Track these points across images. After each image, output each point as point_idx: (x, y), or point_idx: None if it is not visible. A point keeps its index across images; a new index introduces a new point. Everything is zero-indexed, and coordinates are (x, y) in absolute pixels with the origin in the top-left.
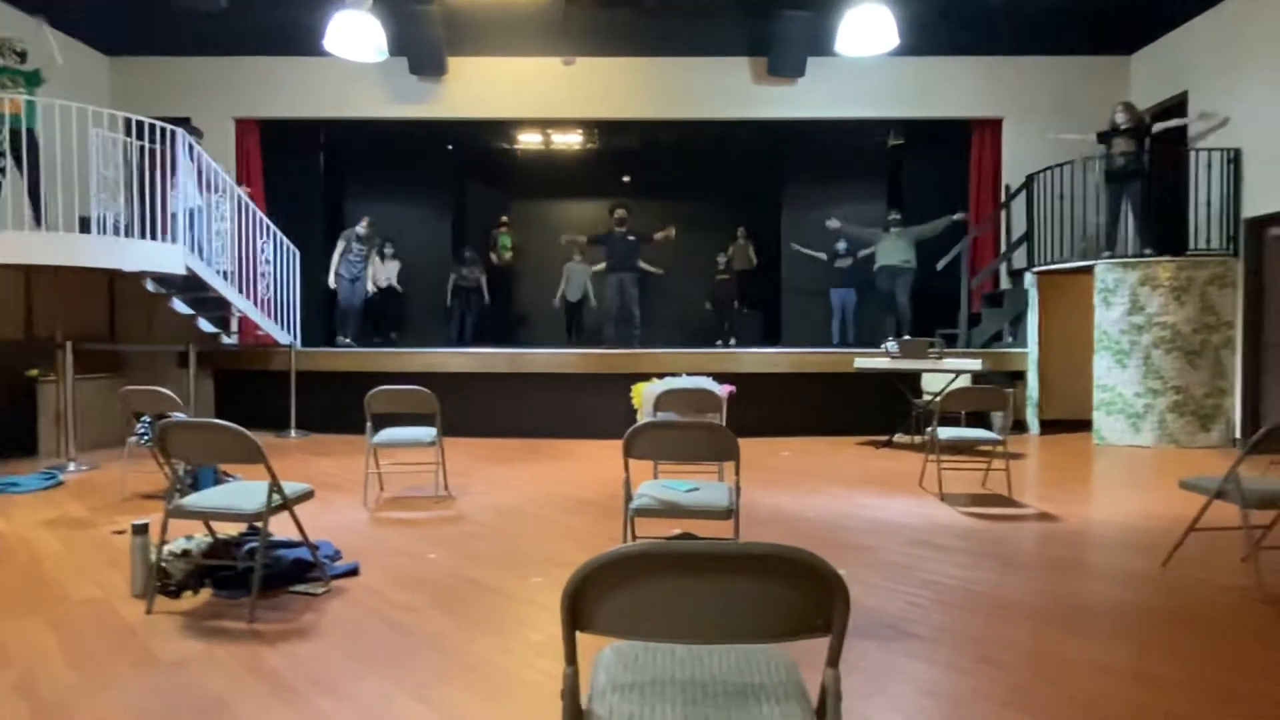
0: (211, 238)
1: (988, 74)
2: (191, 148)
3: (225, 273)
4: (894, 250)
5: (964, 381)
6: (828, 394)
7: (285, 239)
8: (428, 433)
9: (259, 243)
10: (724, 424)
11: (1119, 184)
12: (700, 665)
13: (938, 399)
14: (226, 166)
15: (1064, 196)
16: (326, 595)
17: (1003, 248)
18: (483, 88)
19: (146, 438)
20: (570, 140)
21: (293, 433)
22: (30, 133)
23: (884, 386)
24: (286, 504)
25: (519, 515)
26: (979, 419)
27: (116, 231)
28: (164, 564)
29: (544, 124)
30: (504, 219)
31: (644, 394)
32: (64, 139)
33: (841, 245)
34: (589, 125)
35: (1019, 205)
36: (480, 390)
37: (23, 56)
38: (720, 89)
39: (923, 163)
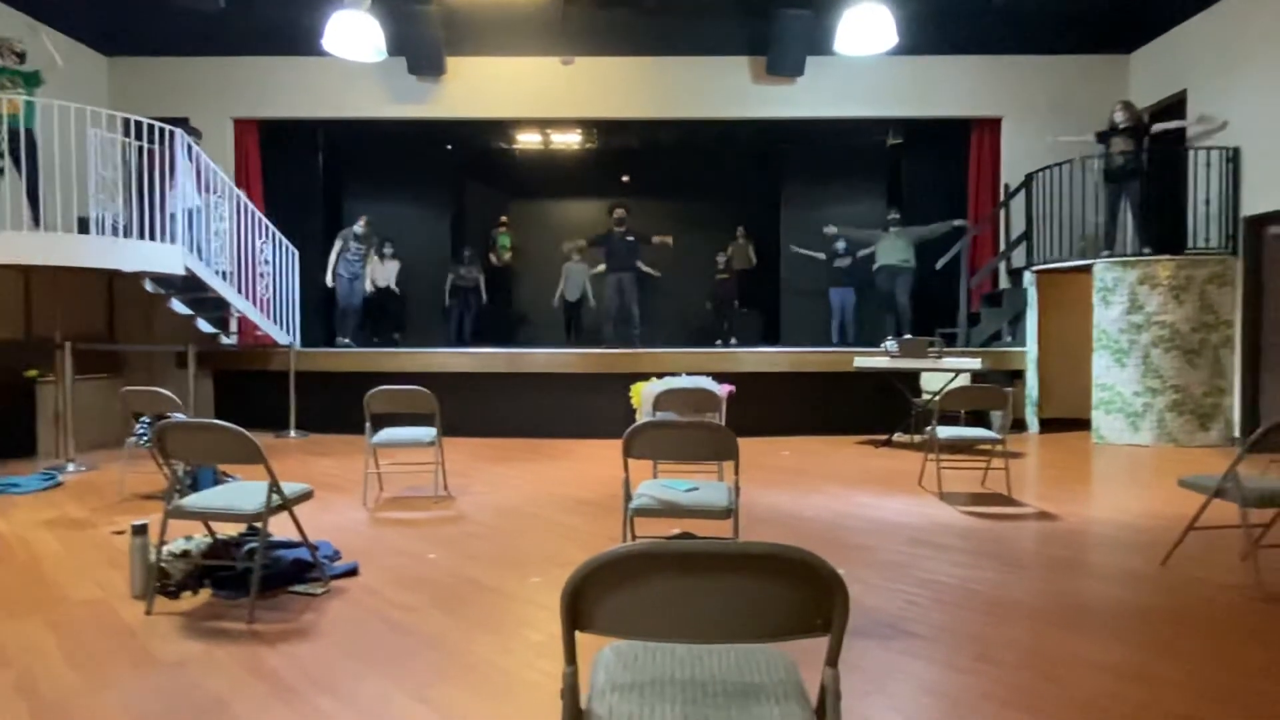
0: (210, 238)
1: (987, 73)
2: (190, 148)
3: (224, 273)
4: (893, 250)
5: (963, 381)
6: (827, 393)
7: (284, 239)
8: (427, 433)
9: (258, 243)
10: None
11: (1118, 183)
12: (700, 665)
13: (937, 398)
14: (225, 167)
15: (1063, 195)
16: (326, 595)
17: (1002, 247)
18: (481, 87)
19: (146, 438)
20: (569, 140)
21: (292, 433)
22: (29, 133)
23: (883, 386)
24: (286, 504)
25: (518, 515)
26: (978, 418)
27: (115, 232)
28: (163, 564)
29: (543, 124)
30: (503, 219)
31: (643, 394)
32: (63, 139)
33: (841, 245)
34: (588, 125)
35: (1018, 204)
36: (480, 390)
37: (22, 57)
38: (719, 88)
39: (922, 162)
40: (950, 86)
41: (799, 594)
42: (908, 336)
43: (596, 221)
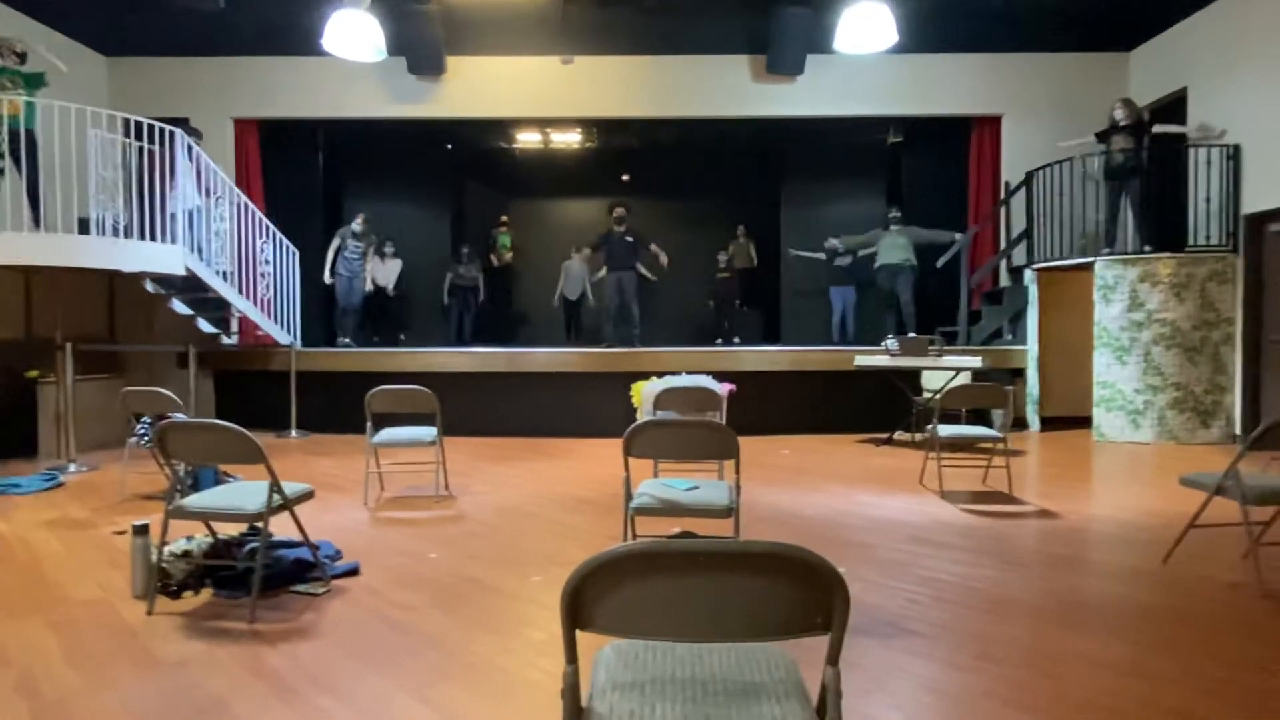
0: (211, 238)
1: (987, 71)
2: (190, 148)
3: (225, 273)
4: (894, 248)
5: (964, 379)
6: (828, 392)
7: (285, 239)
8: (428, 432)
9: (258, 243)
10: (724, 422)
11: (1118, 181)
12: (700, 663)
13: (938, 396)
14: (225, 167)
15: (1063, 193)
16: (327, 595)
17: (1002, 245)
18: (481, 87)
19: (147, 438)
20: (569, 139)
21: (293, 433)
22: (29, 133)
23: (884, 384)
24: (287, 504)
25: (519, 514)
26: (979, 416)
27: (116, 232)
28: (164, 564)
29: (543, 123)
30: (503, 218)
31: (643, 393)
32: (63, 140)
33: (841, 245)
34: (588, 124)
35: (1018, 202)
36: (480, 390)
37: (22, 58)
38: (719, 87)
39: (922, 160)
40: (950, 85)
41: (799, 593)
42: (911, 335)
43: (596, 221)
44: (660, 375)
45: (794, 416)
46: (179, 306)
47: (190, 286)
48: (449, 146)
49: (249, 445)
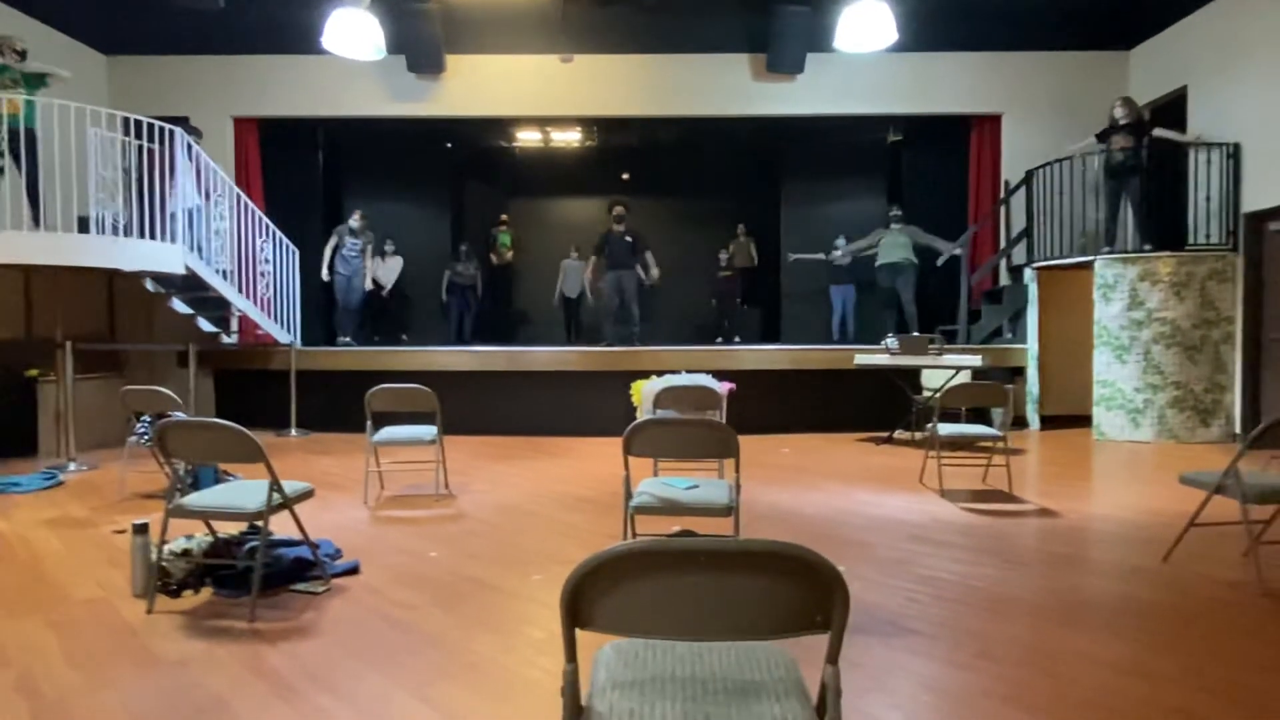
0: (210, 237)
1: (987, 69)
2: (190, 147)
3: (225, 272)
4: (895, 247)
5: (964, 378)
6: (828, 390)
7: (284, 238)
8: (428, 431)
9: (258, 242)
10: (724, 421)
11: (1118, 179)
12: (700, 662)
13: (938, 395)
14: (225, 166)
15: (1063, 192)
16: (327, 594)
17: (1002, 243)
18: (481, 85)
19: (146, 437)
20: (569, 138)
21: (293, 432)
22: (29, 132)
23: (884, 383)
24: (287, 503)
25: (519, 513)
26: (979, 415)
27: (115, 231)
28: (164, 563)
29: (542, 122)
30: (503, 217)
31: (643, 391)
32: (62, 138)
33: (840, 242)
34: (587, 123)
35: (1018, 201)
36: (480, 388)
37: (23, 55)
38: (719, 86)
39: (922, 159)
40: (950, 83)
41: (799, 591)
42: (915, 334)
43: (596, 220)
44: (660, 374)
45: (794, 415)
46: (179, 305)
47: (190, 285)
48: (449, 145)
49: (249, 444)
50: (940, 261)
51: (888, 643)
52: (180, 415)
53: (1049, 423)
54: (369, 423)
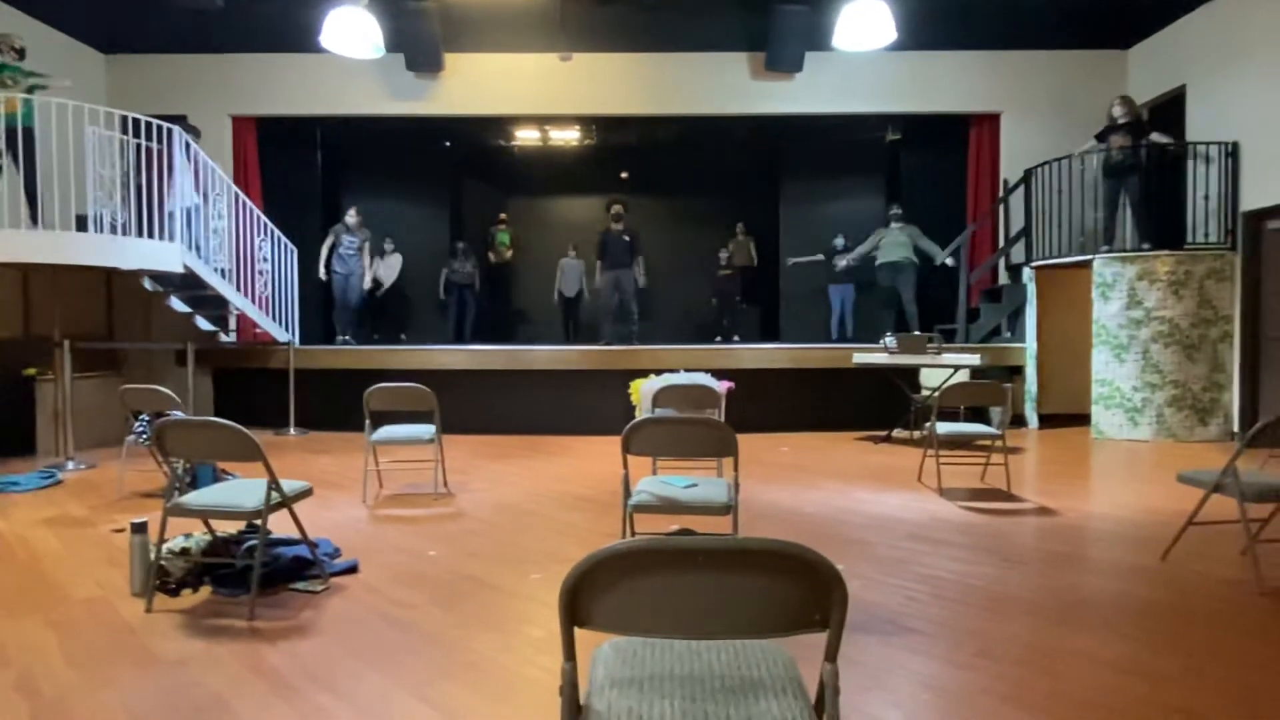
0: (209, 236)
1: (986, 68)
2: (188, 146)
3: (223, 271)
4: (896, 246)
5: (962, 376)
6: (826, 389)
7: (283, 237)
8: (426, 430)
9: (257, 241)
10: (722, 420)
11: (1117, 178)
12: (699, 660)
13: (936, 394)
14: (223, 164)
15: (1062, 191)
16: (326, 593)
17: (1001, 242)
18: (480, 84)
19: (145, 436)
20: (568, 136)
21: (291, 430)
22: (27, 130)
23: (883, 382)
24: (285, 502)
25: (518, 512)
26: (978, 414)
27: (114, 230)
28: (163, 562)
29: (541, 120)
30: (502, 216)
31: (642, 390)
32: (60, 137)
33: (839, 241)
34: (586, 121)
35: (1017, 200)
36: (479, 387)
37: (21, 53)
38: (718, 84)
39: (921, 157)
40: (949, 82)
41: (798, 590)
42: (917, 333)
43: (595, 219)
44: (659, 373)
45: (793, 414)
46: (177, 304)
47: (188, 284)
48: (447, 144)
49: (247, 443)
50: (937, 263)
51: (886, 641)
52: (179, 414)
53: (1047, 421)
54: (367, 421)
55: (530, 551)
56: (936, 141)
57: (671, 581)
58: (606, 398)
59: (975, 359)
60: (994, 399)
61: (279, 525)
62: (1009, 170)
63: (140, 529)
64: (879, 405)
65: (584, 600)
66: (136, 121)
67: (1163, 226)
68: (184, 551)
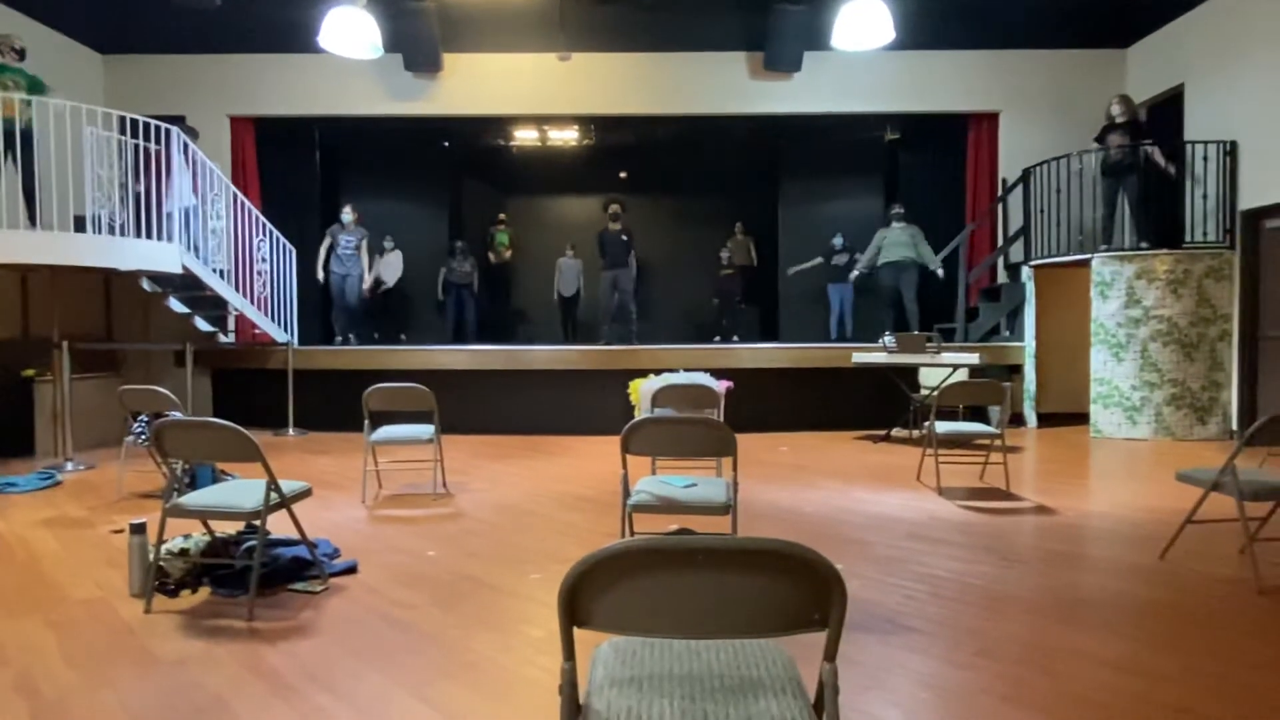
0: (207, 236)
1: (984, 68)
2: (186, 146)
3: (221, 271)
4: (898, 245)
5: (961, 375)
6: (825, 389)
7: (281, 237)
8: (425, 430)
9: (255, 241)
10: (722, 419)
11: (1115, 177)
12: (698, 660)
13: (935, 393)
14: (222, 165)
15: (1060, 190)
16: (325, 593)
17: (999, 242)
18: (478, 84)
19: (144, 437)
20: (566, 136)
21: (290, 431)
22: (25, 132)
23: (882, 381)
24: (284, 502)
25: (517, 512)
26: (977, 413)
27: (112, 230)
28: (162, 563)
29: (540, 120)
30: (501, 216)
31: (641, 390)
32: (58, 137)
33: (837, 241)
34: (585, 121)
35: (1015, 199)
36: (478, 387)
37: (21, 54)
38: (716, 84)
39: (919, 157)
40: (948, 81)
41: (797, 589)
42: (916, 332)
43: (594, 218)
44: (658, 372)
45: (792, 413)
46: (176, 305)
47: (187, 285)
48: (446, 144)
49: (246, 443)
50: (940, 256)
51: (886, 640)
52: (177, 415)
53: (1046, 420)
54: (366, 422)
55: (530, 551)
56: (935, 141)
57: (671, 581)
58: (606, 398)
59: (974, 358)
60: (993, 398)
61: (278, 526)
62: (1007, 169)
63: (139, 530)
64: (878, 404)
65: (583, 600)
66: (134, 122)
67: (1161, 225)
68: (183, 552)
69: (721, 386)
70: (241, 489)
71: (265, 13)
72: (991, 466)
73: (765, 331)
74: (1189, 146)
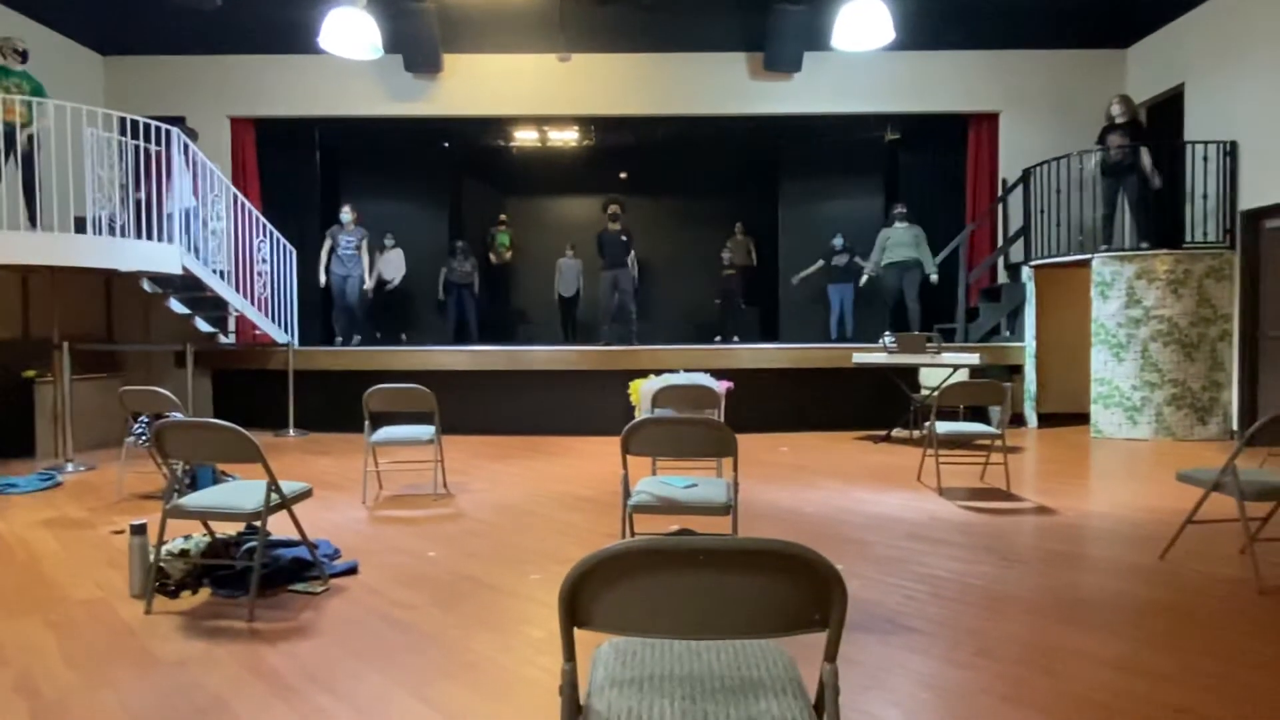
0: (207, 237)
1: (984, 68)
2: (186, 147)
3: (222, 272)
4: (901, 245)
5: (962, 376)
6: (826, 389)
7: (282, 238)
8: (426, 431)
9: (255, 242)
10: (722, 420)
11: (1115, 177)
12: (698, 660)
13: (935, 393)
14: (222, 166)
15: (1060, 190)
16: (326, 594)
17: (999, 242)
18: (478, 85)
19: (144, 438)
20: (566, 137)
21: (291, 432)
22: (26, 133)
23: (882, 381)
24: (285, 503)
25: (517, 512)
26: (977, 413)
27: (112, 231)
28: (162, 564)
29: (540, 121)
30: (502, 217)
31: (641, 390)
32: (59, 138)
33: (837, 241)
34: (585, 122)
35: (1016, 199)
36: (478, 388)
37: (24, 57)
38: (716, 84)
39: (919, 157)
40: (948, 82)
41: (797, 589)
42: (916, 332)
43: (594, 219)
44: (658, 373)
45: (792, 414)
46: (176, 306)
47: (187, 285)
48: (446, 145)
49: (247, 444)
50: (939, 256)
51: (886, 641)
52: (178, 415)
53: (1047, 420)
54: (367, 423)
55: (530, 552)
56: (935, 141)
57: (671, 581)
58: (606, 398)
59: (974, 358)
60: (993, 398)
61: (278, 526)
62: (1007, 170)
63: (140, 530)
64: (878, 405)
65: (584, 600)
66: (135, 123)
67: (1161, 225)
68: (183, 553)
69: (722, 387)
70: (242, 490)
71: (265, 13)
72: (992, 467)
73: (765, 332)
74: (1189, 146)
